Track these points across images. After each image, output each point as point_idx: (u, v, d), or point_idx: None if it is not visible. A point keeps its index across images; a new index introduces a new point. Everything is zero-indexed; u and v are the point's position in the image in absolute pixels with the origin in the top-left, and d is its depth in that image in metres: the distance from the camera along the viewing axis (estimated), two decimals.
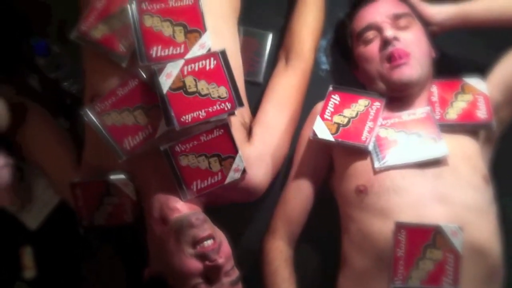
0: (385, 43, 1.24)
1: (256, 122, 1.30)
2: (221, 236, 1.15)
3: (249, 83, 1.39)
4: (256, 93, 1.41)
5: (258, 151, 1.26)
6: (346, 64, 1.41)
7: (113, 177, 1.21)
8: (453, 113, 1.25)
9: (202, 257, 1.09)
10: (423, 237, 1.13)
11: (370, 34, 1.27)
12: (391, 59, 1.23)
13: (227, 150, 1.19)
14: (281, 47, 1.42)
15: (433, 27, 1.32)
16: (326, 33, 1.48)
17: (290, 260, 1.31)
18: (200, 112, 1.16)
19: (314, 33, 1.38)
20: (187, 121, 1.14)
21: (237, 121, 1.25)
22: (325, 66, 1.48)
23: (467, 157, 1.21)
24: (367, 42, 1.28)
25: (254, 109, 1.35)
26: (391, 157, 1.20)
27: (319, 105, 1.32)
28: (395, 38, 1.23)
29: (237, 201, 1.29)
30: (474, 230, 1.14)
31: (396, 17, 1.26)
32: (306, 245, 1.38)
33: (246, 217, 1.41)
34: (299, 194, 1.33)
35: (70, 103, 1.43)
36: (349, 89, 1.31)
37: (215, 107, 1.17)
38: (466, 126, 1.25)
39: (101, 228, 1.26)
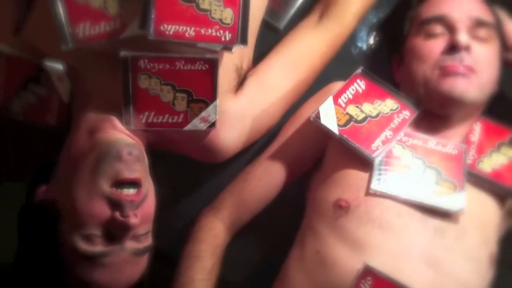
0: (453, 48, 0.98)
1: (253, 74, 1.03)
2: (149, 188, 0.89)
3: (265, 26, 1.10)
4: (269, 40, 1.11)
5: (241, 108, 1.00)
6: (388, 53, 1.14)
7: (48, 63, 0.93)
8: (488, 165, 1.00)
9: (115, 204, 0.83)
10: None
11: (438, 28, 1.01)
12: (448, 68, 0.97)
13: (203, 92, 0.93)
14: None
15: (510, 55, 1.06)
16: (380, 7, 1.18)
17: (221, 249, 1.06)
18: (188, 29, 0.88)
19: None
20: (166, 32, 0.87)
21: (231, 62, 0.98)
22: (361, 43, 1.19)
23: (483, 224, 0.96)
24: (430, 36, 1.01)
25: (259, 59, 1.06)
26: (395, 183, 0.95)
27: (337, 85, 1.04)
28: (467, 48, 0.97)
29: (190, 155, 1.04)
30: None
31: (478, 23, 1.00)
32: (245, 237, 1.11)
33: (192, 177, 1.13)
34: (267, 178, 1.06)
35: None
36: (381, 82, 1.04)
37: (209, 31, 0.89)
38: (498, 187, 0.99)
39: (16, 119, 1.00)
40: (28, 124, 1.01)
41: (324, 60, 1.08)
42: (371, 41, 1.19)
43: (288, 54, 1.06)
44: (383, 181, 0.95)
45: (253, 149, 1.10)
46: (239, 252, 1.10)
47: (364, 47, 1.19)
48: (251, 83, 1.02)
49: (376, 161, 0.95)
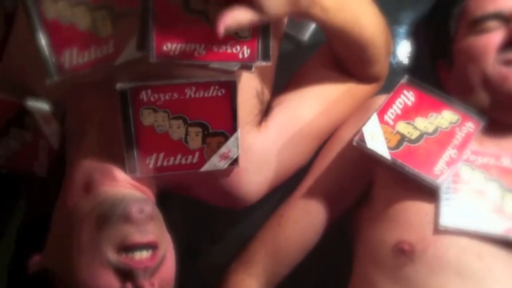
0: None
1: (280, 103, 0.88)
2: (167, 248, 0.74)
3: (286, 40, 0.95)
4: (292, 59, 0.94)
5: (267, 143, 0.85)
6: (432, 59, 0.99)
7: (32, 103, 0.79)
8: None
9: (125, 274, 0.69)
10: None
11: (493, 24, 0.87)
12: None
13: (221, 123, 0.79)
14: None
15: None
16: (413, 6, 1.04)
17: None
18: (196, 47, 0.73)
19: (388, 43, 0.91)
20: (171, 52, 0.72)
21: (251, 87, 0.83)
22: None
23: None
24: (484, 31, 0.87)
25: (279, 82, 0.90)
26: (469, 215, 0.78)
27: (380, 99, 0.88)
28: None
29: (207, 201, 0.89)
30: None
31: None
32: None
33: (211, 223, 0.97)
34: (305, 219, 0.90)
35: None
36: (433, 90, 0.88)
37: (223, 48, 0.74)
38: None
39: None
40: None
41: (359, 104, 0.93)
42: (408, 47, 1.03)
43: (324, 92, 0.90)
44: (454, 213, 0.78)
45: (285, 186, 0.93)
46: None
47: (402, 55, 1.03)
48: (278, 114, 0.86)
49: (442, 189, 0.79)
